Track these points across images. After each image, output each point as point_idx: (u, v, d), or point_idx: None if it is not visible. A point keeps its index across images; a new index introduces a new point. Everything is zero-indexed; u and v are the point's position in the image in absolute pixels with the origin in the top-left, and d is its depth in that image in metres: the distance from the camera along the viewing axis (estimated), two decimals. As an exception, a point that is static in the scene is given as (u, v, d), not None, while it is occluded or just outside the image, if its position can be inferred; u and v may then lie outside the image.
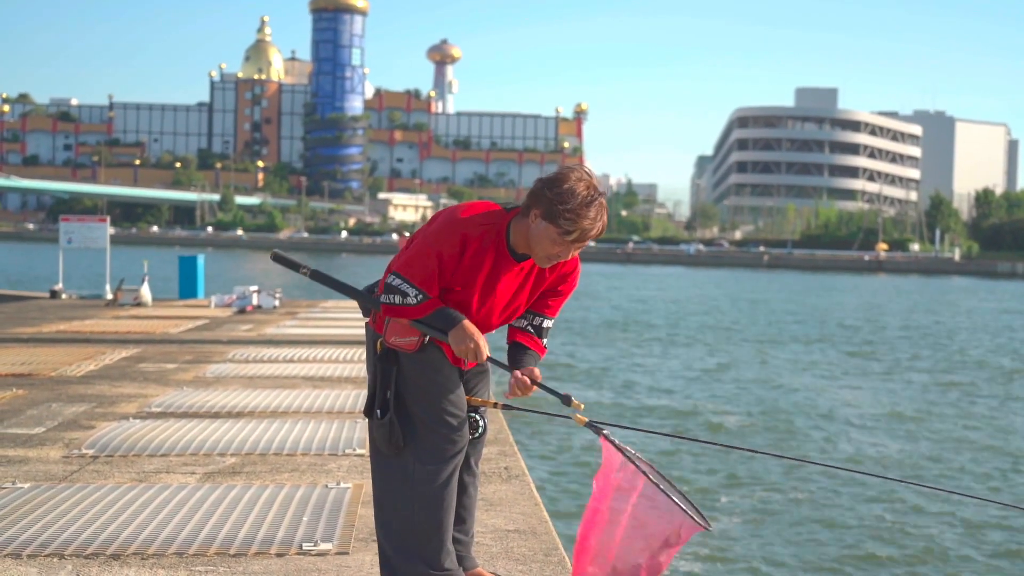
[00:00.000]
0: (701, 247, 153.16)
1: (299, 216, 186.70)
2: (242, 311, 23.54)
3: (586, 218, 4.36)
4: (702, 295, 73.16)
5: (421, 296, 4.48)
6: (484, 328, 4.69)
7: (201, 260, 29.71)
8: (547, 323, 4.82)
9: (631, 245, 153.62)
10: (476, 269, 4.52)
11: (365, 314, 4.84)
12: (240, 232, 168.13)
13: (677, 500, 4.18)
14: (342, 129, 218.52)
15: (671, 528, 4.11)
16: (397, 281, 4.51)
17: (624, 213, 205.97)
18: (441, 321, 4.51)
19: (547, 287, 4.76)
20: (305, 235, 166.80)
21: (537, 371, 4.72)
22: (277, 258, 4.92)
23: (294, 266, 4.83)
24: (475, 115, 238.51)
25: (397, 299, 4.49)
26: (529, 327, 4.79)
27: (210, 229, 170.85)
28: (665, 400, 25.24)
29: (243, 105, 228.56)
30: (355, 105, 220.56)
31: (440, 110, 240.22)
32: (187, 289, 29.80)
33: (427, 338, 4.58)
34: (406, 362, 4.62)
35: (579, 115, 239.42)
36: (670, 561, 4.17)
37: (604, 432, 4.46)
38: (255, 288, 25.08)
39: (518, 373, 4.65)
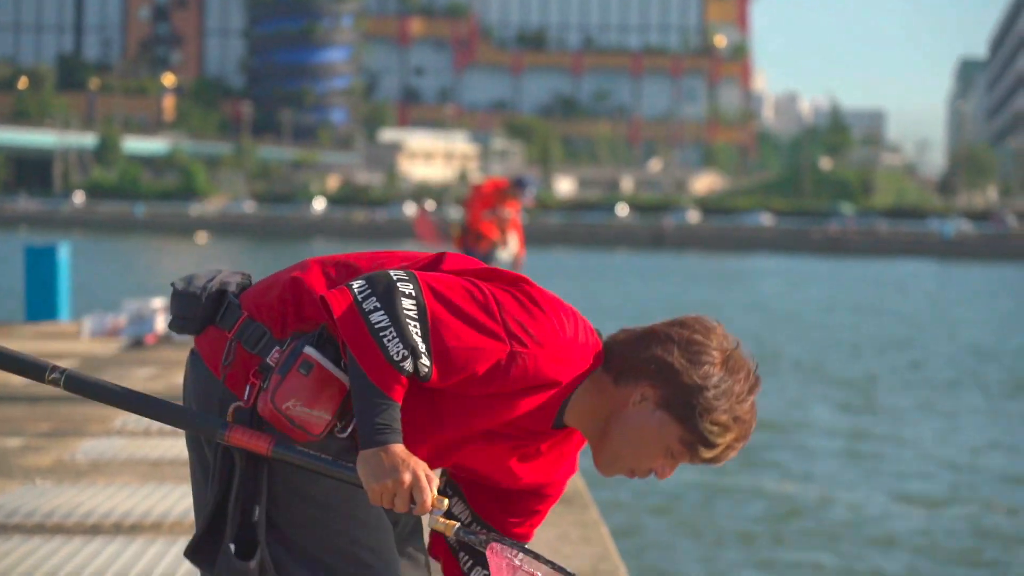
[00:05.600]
0: (967, 225, 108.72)
1: (239, 173, 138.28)
2: (138, 343, 17.65)
3: (744, 424, 3.03)
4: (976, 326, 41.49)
5: (427, 369, 2.92)
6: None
7: (64, 254, 22.11)
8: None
9: (843, 222, 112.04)
10: (503, 412, 3.03)
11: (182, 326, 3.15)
12: (134, 203, 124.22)
13: None
14: (315, 16, 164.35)
15: None
16: (415, 299, 2.93)
17: (826, 165, 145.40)
18: (366, 418, 2.92)
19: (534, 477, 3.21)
20: (249, 208, 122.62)
21: None
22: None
23: (35, 371, 3.07)
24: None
25: (382, 322, 2.90)
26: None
27: (80, 197, 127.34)
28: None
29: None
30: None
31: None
32: (39, 304, 21.63)
33: (277, 446, 2.98)
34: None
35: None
36: None
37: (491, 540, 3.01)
38: (161, 303, 18.31)
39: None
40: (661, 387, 2.99)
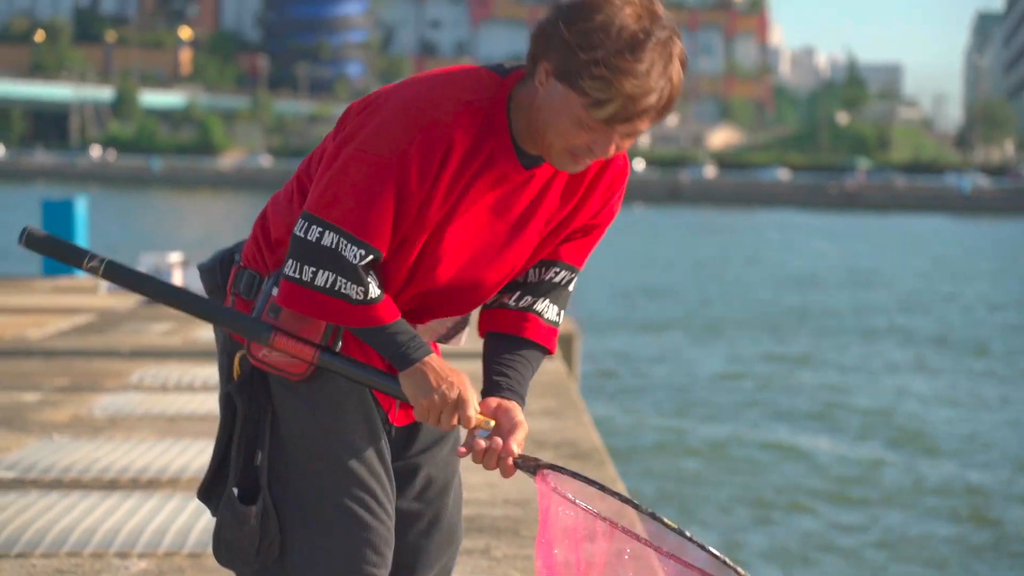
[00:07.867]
0: (984, 179, 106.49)
1: (256, 127, 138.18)
2: None
3: (633, 74, 2.72)
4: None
5: (372, 258, 2.86)
6: (467, 306, 3.05)
7: (82, 207, 22.20)
8: (565, 277, 3.06)
9: (855, 177, 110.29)
10: (463, 193, 2.89)
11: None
12: (151, 158, 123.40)
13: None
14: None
15: None
16: (323, 234, 2.86)
17: (843, 119, 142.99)
18: (388, 349, 2.89)
19: (573, 215, 3.01)
20: (266, 162, 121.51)
21: (520, 434, 2.92)
22: (31, 242, 3.11)
23: (74, 256, 3.13)
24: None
25: (328, 278, 2.84)
26: (527, 298, 3.03)
27: (96, 151, 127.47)
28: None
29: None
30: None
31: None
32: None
33: (322, 354, 2.92)
34: (284, 399, 2.97)
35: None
36: None
37: (543, 470, 2.86)
38: (178, 257, 18.88)
39: (498, 440, 2.91)
40: (551, 59, 2.79)
